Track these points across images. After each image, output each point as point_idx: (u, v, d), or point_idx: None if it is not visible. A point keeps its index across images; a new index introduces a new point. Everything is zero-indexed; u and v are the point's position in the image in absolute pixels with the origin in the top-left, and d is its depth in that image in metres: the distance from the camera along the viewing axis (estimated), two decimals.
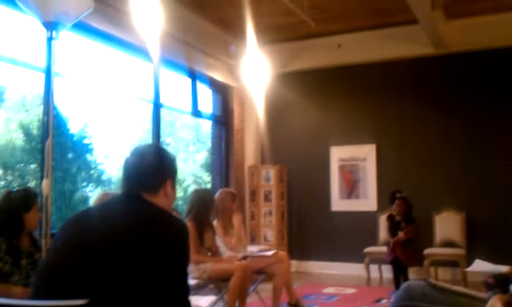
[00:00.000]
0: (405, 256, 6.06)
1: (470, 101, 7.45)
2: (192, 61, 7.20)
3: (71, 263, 1.58)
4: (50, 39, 4.00)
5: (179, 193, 11.03)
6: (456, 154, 7.46)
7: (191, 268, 4.46)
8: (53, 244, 1.78)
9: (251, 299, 5.11)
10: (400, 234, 6.12)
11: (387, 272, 7.10)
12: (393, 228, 6.26)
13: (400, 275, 6.10)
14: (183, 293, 1.69)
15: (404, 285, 2.39)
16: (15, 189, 3.19)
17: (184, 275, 1.72)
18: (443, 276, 7.13)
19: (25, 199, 3.05)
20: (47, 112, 4.91)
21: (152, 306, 1.57)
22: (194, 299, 2.03)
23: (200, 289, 4.44)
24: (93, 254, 1.57)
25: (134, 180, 1.82)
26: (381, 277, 7.42)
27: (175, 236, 1.69)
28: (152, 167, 1.83)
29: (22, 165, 9.26)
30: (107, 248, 1.57)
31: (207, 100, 8.17)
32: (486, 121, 7.33)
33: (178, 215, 5.03)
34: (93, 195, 11.37)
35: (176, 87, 7.95)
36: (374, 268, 7.40)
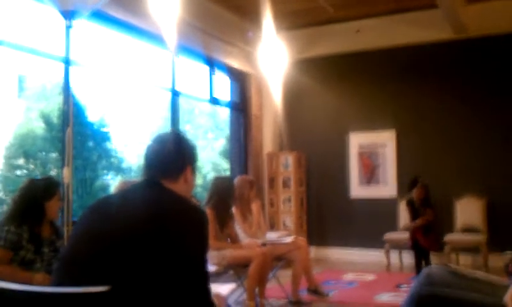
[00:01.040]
0: (426, 241, 6.05)
1: (490, 86, 7.33)
2: (210, 48, 7.19)
3: (92, 251, 1.60)
4: (68, 28, 4.03)
5: (198, 180, 11.08)
6: (476, 139, 7.36)
7: (211, 255, 4.49)
8: (74, 232, 1.80)
9: (271, 285, 5.14)
10: (418, 220, 6.10)
11: (407, 258, 7.07)
12: (413, 213, 6.23)
13: (421, 260, 6.08)
14: (202, 280, 1.70)
15: (425, 271, 2.39)
16: (37, 178, 3.24)
17: (203, 263, 1.72)
18: (464, 262, 7.07)
19: (47, 188, 3.09)
20: (66, 101, 4.96)
21: (172, 293, 1.58)
22: (214, 286, 2.04)
23: (220, 275, 4.47)
24: (113, 241, 1.59)
25: (155, 167, 1.84)
26: (401, 263, 7.39)
27: (195, 224, 1.70)
28: (173, 154, 1.85)
29: (43, 153, 9.39)
30: (128, 236, 1.59)
31: (224, 87, 8.17)
32: (507, 107, 7.21)
33: (197, 202, 5.07)
34: (113, 182, 11.49)
35: (194, 75, 7.96)
36: (393, 254, 7.37)
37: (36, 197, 3.04)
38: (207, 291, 1.71)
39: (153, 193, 1.76)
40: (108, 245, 1.58)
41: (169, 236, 1.60)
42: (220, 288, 2.18)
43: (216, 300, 1.85)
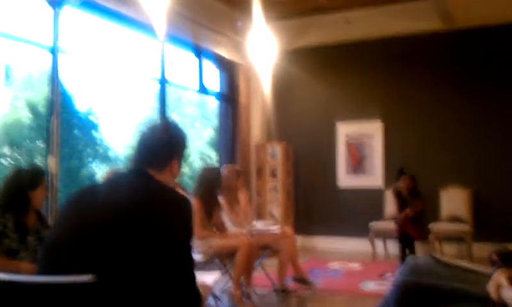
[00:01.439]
0: (415, 231, 6.10)
1: (477, 77, 7.39)
2: (198, 37, 7.16)
3: (76, 239, 1.60)
4: (55, 16, 3.99)
5: (185, 170, 11.07)
6: (462, 130, 7.43)
7: (197, 244, 4.50)
8: (59, 220, 1.80)
9: (257, 274, 5.16)
10: (408, 209, 6.14)
11: (392, 247, 7.14)
12: (401, 203, 6.27)
13: (406, 249, 6.14)
14: (187, 267, 1.71)
15: (409, 260, 2.42)
16: (23, 167, 3.22)
17: (188, 250, 1.74)
18: (448, 251, 7.16)
19: (32, 177, 3.07)
20: (53, 90, 4.93)
21: (157, 281, 1.59)
22: (199, 275, 2.05)
23: (206, 264, 4.49)
24: (98, 229, 1.59)
25: (143, 154, 1.84)
26: (386, 252, 7.46)
27: (179, 212, 1.71)
28: (163, 144, 1.85)
29: (29, 142, 9.30)
30: (113, 224, 1.59)
31: (213, 77, 8.14)
32: (494, 98, 7.28)
33: (184, 191, 5.07)
34: (99, 171, 11.43)
35: (182, 64, 7.93)
36: (379, 243, 7.44)
37: (21, 186, 3.03)
38: (193, 279, 1.72)
39: (138, 182, 1.77)
40: (93, 233, 1.58)
41: (154, 224, 1.61)
42: (205, 277, 2.19)
43: (201, 289, 1.86)
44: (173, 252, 1.64)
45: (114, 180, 1.86)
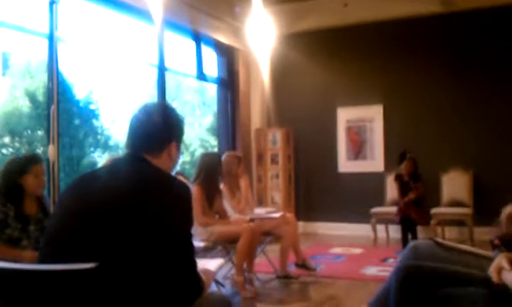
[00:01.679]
0: (417, 214, 6.11)
1: (477, 60, 7.35)
2: (197, 23, 7.11)
3: (76, 227, 1.59)
4: (52, 3, 3.96)
5: (186, 157, 11.06)
6: (463, 113, 7.40)
7: (199, 231, 4.51)
8: (58, 208, 1.79)
9: (259, 260, 5.18)
10: (410, 193, 6.14)
11: (394, 232, 7.15)
12: (402, 187, 6.27)
13: (408, 234, 6.14)
14: (188, 254, 1.70)
15: (411, 244, 2.42)
16: (19, 155, 3.24)
17: (188, 237, 1.72)
18: (449, 235, 7.17)
19: (21, 164, 3.08)
20: (51, 78, 4.90)
21: (158, 268, 1.58)
22: (202, 262, 2.05)
23: (208, 251, 4.49)
24: (97, 217, 1.58)
25: (139, 139, 1.78)
26: (387, 237, 7.48)
27: (178, 199, 1.69)
28: (158, 128, 1.79)
29: (29, 131, 9.29)
30: (112, 211, 1.58)
31: (212, 63, 8.10)
32: (495, 81, 7.24)
33: (185, 178, 5.07)
34: (100, 160, 11.44)
35: (181, 51, 7.88)
36: (380, 228, 7.45)
37: (12, 173, 3.04)
38: (193, 265, 1.71)
39: (135, 168, 1.74)
40: (92, 221, 1.57)
41: (152, 211, 1.59)
42: (208, 264, 2.18)
43: (204, 276, 1.86)
44: (172, 240, 1.63)
45: (112, 167, 1.83)
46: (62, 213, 1.71)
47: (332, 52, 8.27)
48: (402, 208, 6.18)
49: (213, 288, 4.38)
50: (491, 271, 1.98)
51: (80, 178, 1.81)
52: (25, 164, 3.08)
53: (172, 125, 1.84)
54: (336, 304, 4.22)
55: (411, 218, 6.13)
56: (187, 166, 10.69)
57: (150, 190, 1.65)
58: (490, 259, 2.08)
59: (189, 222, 1.74)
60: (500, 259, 1.99)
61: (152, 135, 1.78)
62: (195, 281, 1.72)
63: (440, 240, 2.40)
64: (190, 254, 1.71)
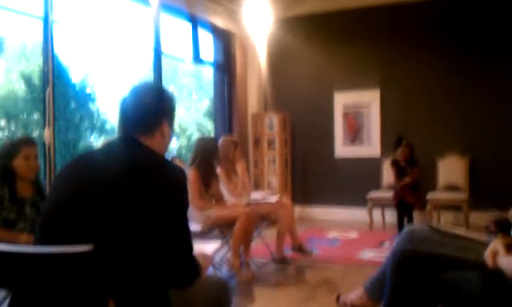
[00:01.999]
0: (413, 199, 6.13)
1: (474, 44, 7.32)
2: (193, 5, 7.06)
3: (70, 209, 1.59)
4: None
5: (182, 141, 11.05)
6: (460, 98, 7.40)
7: (196, 215, 4.52)
8: (52, 190, 1.78)
9: (255, 244, 5.20)
10: (406, 178, 6.16)
11: (390, 216, 7.18)
12: (398, 172, 6.29)
13: (404, 218, 6.17)
14: (183, 236, 1.69)
15: (406, 229, 2.42)
16: (12, 138, 3.23)
17: (183, 219, 1.71)
18: (445, 220, 7.21)
19: (11, 146, 3.06)
20: (46, 61, 4.87)
21: (153, 250, 1.58)
22: (199, 245, 2.05)
23: (205, 235, 4.51)
24: (91, 199, 1.57)
25: (131, 120, 1.77)
26: (383, 221, 7.50)
27: (172, 181, 1.68)
28: (149, 107, 1.78)
29: (24, 115, 9.25)
30: (105, 194, 1.57)
31: (208, 47, 8.06)
32: (492, 65, 7.23)
33: (181, 163, 5.06)
34: (96, 144, 11.40)
35: (177, 34, 7.83)
36: (376, 212, 7.48)
37: (2, 155, 3.04)
38: (189, 248, 1.71)
39: (130, 150, 1.73)
40: (87, 203, 1.56)
41: (147, 194, 1.58)
42: (206, 247, 2.19)
43: (201, 259, 1.86)
44: (167, 222, 1.62)
45: (107, 149, 1.81)
46: (57, 195, 1.70)
47: (329, 36, 8.23)
48: (398, 192, 6.21)
49: (210, 271, 4.40)
50: (487, 255, 1.99)
51: (75, 160, 1.80)
52: (16, 146, 3.06)
53: (163, 104, 1.83)
54: (332, 288, 4.25)
55: (406, 202, 6.16)
56: (183, 150, 10.68)
57: (145, 173, 1.64)
58: (485, 244, 2.09)
59: (183, 205, 1.73)
60: (495, 244, 2.00)
61: (143, 116, 1.76)
62: (191, 264, 1.72)
63: (435, 224, 2.41)
64: (185, 237, 1.71)
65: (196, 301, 1.79)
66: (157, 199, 1.60)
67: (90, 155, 1.82)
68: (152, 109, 1.78)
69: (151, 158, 1.73)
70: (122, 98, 1.81)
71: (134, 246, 1.54)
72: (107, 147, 1.80)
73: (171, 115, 1.86)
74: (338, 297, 2.66)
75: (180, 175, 1.72)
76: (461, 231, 2.38)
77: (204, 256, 1.96)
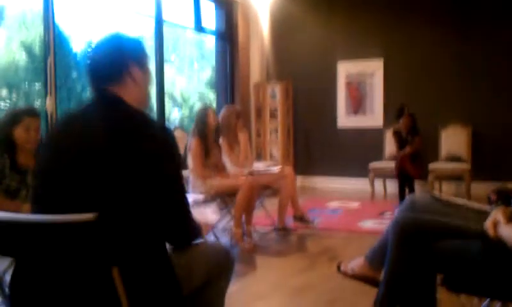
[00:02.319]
0: (414, 169, 6.12)
1: (478, 13, 7.24)
2: None
3: (61, 181, 1.56)
4: None
5: (184, 111, 11.02)
6: (464, 68, 7.34)
7: (198, 184, 4.54)
8: (40, 161, 1.73)
9: (258, 213, 5.23)
10: (407, 147, 6.15)
11: (391, 186, 7.20)
12: (400, 142, 6.27)
13: (405, 188, 6.19)
14: (177, 196, 1.66)
15: (408, 198, 2.43)
16: (16, 108, 3.22)
17: (176, 179, 1.66)
18: (447, 190, 7.23)
19: (12, 116, 3.05)
20: (47, 30, 4.83)
21: (147, 214, 1.56)
22: (199, 209, 2.05)
23: (207, 204, 4.53)
24: (80, 168, 1.53)
25: (96, 73, 1.71)
26: (385, 191, 7.53)
27: (157, 142, 1.61)
28: (110, 54, 1.71)
29: (26, 85, 9.22)
30: (92, 161, 1.53)
31: (210, 15, 7.97)
32: (495, 35, 7.15)
33: (183, 133, 5.07)
34: None
35: (179, 2, 7.73)
36: (378, 182, 7.50)
37: (3, 124, 3.03)
38: (184, 208, 1.69)
39: (110, 110, 1.65)
40: (77, 173, 1.53)
41: (132, 156, 1.53)
42: (206, 211, 2.17)
43: (202, 223, 1.85)
44: (157, 182, 1.57)
45: (86, 109, 1.71)
46: (43, 164, 1.65)
47: (333, 5, 8.14)
48: (399, 162, 6.20)
49: (211, 237, 4.44)
50: (487, 225, 2.00)
51: (57, 127, 1.76)
52: (17, 115, 3.04)
53: (124, 46, 1.74)
54: (332, 256, 4.29)
55: (407, 172, 6.16)
56: (186, 120, 10.66)
57: (127, 134, 1.57)
58: (486, 213, 2.09)
59: (175, 165, 1.67)
60: (496, 214, 2.00)
61: (106, 62, 1.70)
62: (188, 224, 1.71)
63: (437, 194, 2.41)
64: (179, 197, 1.67)
65: (198, 265, 1.80)
66: (142, 161, 1.54)
67: (71, 121, 1.73)
68: (112, 53, 1.71)
69: (132, 118, 1.65)
70: (87, 54, 1.82)
71: (128, 211, 1.52)
72: (86, 109, 1.71)
73: (139, 57, 1.76)
74: (339, 266, 2.68)
75: (166, 135, 1.66)
76: (462, 200, 2.38)
77: (205, 223, 1.95)
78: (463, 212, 2.26)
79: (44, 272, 1.55)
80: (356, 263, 2.56)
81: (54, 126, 1.77)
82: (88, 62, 1.74)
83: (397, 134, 6.36)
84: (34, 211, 1.63)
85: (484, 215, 2.10)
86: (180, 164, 1.72)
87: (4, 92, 9.22)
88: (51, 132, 1.74)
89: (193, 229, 1.75)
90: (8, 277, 2.13)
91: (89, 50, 1.77)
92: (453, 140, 7.25)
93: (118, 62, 1.70)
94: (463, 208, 2.28)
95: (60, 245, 1.49)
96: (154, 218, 1.58)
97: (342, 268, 2.62)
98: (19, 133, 3.02)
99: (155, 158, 1.57)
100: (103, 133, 1.57)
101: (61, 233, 1.46)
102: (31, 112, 3.10)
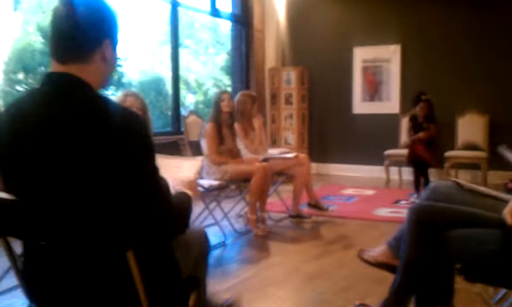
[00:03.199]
0: (426, 154, 5.93)
1: (497, 1, 7.10)
2: None
3: (8, 155, 1.42)
4: None
5: (199, 97, 11.02)
6: (482, 56, 7.22)
7: (213, 170, 4.53)
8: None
9: (272, 200, 5.22)
10: (421, 133, 5.97)
11: (407, 174, 7.15)
12: (415, 128, 6.10)
13: (420, 176, 6.08)
14: (148, 190, 1.42)
15: (431, 185, 2.40)
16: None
17: (148, 173, 1.42)
18: (463, 178, 7.12)
19: None
20: None
21: (114, 209, 1.40)
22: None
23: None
24: (30, 145, 1.38)
25: (62, 43, 1.43)
26: (400, 179, 7.48)
27: (118, 130, 1.36)
28: (84, 23, 1.42)
29: (42, 68, 9.27)
30: (43, 139, 1.37)
31: None
32: None
33: (199, 118, 5.06)
34: (114, 98, 11.42)
35: None
36: (394, 170, 7.44)
37: None
38: (158, 201, 1.45)
39: (64, 90, 1.42)
40: (25, 149, 1.39)
41: (105, 149, 1.35)
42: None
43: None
44: (128, 179, 1.37)
45: (39, 89, 1.47)
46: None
47: None
48: (412, 147, 6.03)
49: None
50: (505, 213, 1.97)
51: (7, 111, 1.49)
52: None
53: (102, 19, 1.47)
54: (347, 243, 4.27)
55: (419, 156, 5.95)
56: (200, 105, 10.66)
57: (93, 126, 1.36)
58: (506, 202, 2.06)
59: (143, 157, 1.41)
60: None
61: (77, 34, 1.42)
62: (169, 217, 1.51)
63: (461, 181, 2.36)
64: (151, 189, 1.43)
65: (190, 250, 1.81)
66: (109, 153, 1.35)
67: (25, 98, 1.51)
68: (88, 25, 1.43)
69: (93, 104, 1.42)
70: (53, 14, 1.45)
71: (101, 203, 1.38)
72: (41, 86, 1.47)
73: (114, 33, 1.51)
74: (360, 254, 2.63)
75: (129, 120, 1.40)
76: (486, 189, 2.35)
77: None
78: (485, 200, 2.23)
79: (56, 255, 1.52)
80: (378, 251, 2.54)
81: (5, 110, 1.49)
82: (55, 26, 1.44)
83: (412, 119, 6.19)
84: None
85: (503, 203, 2.07)
86: (152, 154, 1.45)
87: (21, 75, 9.28)
88: (3, 116, 1.48)
89: (176, 222, 1.56)
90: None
91: (56, 10, 1.44)
92: (470, 128, 7.16)
93: (93, 38, 1.45)
94: (486, 197, 2.25)
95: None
96: (121, 212, 1.40)
97: (364, 256, 2.59)
98: None
99: (122, 151, 1.35)
100: (63, 121, 1.37)
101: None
102: None
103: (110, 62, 1.50)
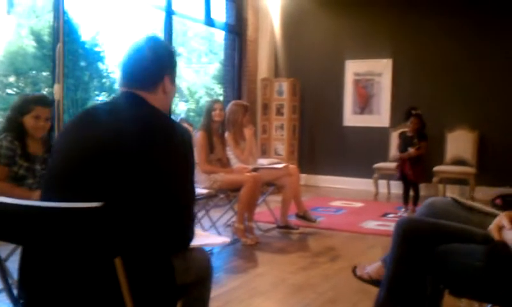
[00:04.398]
0: (413, 173, 5.94)
1: (489, 15, 7.19)
2: None
3: (78, 167, 1.57)
4: None
5: (191, 105, 11.02)
6: (472, 72, 7.31)
7: (203, 178, 4.53)
8: (59, 147, 1.73)
9: (260, 210, 5.23)
10: (411, 150, 5.95)
11: (395, 188, 7.18)
12: (403, 144, 6.10)
13: (409, 190, 6.09)
14: (184, 201, 1.66)
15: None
16: (27, 94, 3.20)
17: (186, 183, 1.67)
18: (451, 193, 7.19)
19: (22, 103, 3.05)
20: (57, 17, 4.83)
21: (156, 212, 1.56)
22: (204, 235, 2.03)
23: (211, 198, 4.53)
24: (101, 156, 1.55)
25: (131, 78, 1.72)
26: (389, 192, 7.52)
27: (181, 144, 1.65)
28: (150, 62, 1.72)
29: (34, 72, 9.23)
30: (118, 155, 1.55)
31: (220, 8, 7.95)
32: (506, 39, 7.11)
33: (189, 126, 5.06)
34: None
35: None
36: (382, 183, 7.48)
37: (14, 110, 3.04)
38: (188, 214, 1.68)
39: (139, 110, 1.68)
40: (96, 162, 1.55)
41: (158, 157, 1.56)
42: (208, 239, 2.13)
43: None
44: (174, 185, 1.60)
45: (113, 106, 1.76)
46: (65, 154, 1.68)
47: (343, 3, 8.10)
48: (399, 164, 6.05)
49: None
50: (492, 229, 1.98)
51: (80, 117, 1.75)
52: (29, 103, 3.04)
53: (163, 58, 1.77)
54: (334, 255, 4.28)
55: (407, 174, 5.98)
56: (191, 114, 10.67)
57: (154, 135, 1.60)
58: (493, 218, 2.08)
59: (188, 168, 1.69)
60: (501, 218, 1.99)
61: (144, 71, 1.71)
62: (189, 228, 1.70)
63: (459, 198, 2.37)
64: (187, 203, 1.68)
65: (192, 263, 1.80)
66: (166, 162, 1.58)
67: (97, 112, 1.76)
68: (153, 63, 1.73)
69: (159, 118, 1.69)
70: (124, 55, 1.76)
71: (142, 208, 1.53)
72: (113, 104, 1.76)
73: (173, 69, 1.80)
74: (354, 270, 2.63)
75: (188, 137, 1.69)
76: (484, 206, 2.35)
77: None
78: (482, 217, 2.23)
79: (52, 259, 1.55)
80: (372, 268, 2.53)
81: (79, 114, 1.76)
82: (124, 62, 1.74)
83: (401, 135, 6.22)
84: (47, 198, 1.63)
85: (492, 219, 2.09)
86: (193, 168, 1.73)
87: (12, 78, 9.24)
88: (76, 120, 1.74)
89: (192, 235, 1.73)
90: (9, 264, 2.14)
91: (128, 50, 1.75)
92: (459, 143, 7.23)
93: (155, 74, 1.73)
94: (484, 214, 2.25)
95: (68, 232, 1.48)
96: (159, 215, 1.57)
97: (358, 272, 2.59)
98: (29, 121, 3.02)
99: (176, 159, 1.61)
100: (132, 131, 1.59)
101: (69, 220, 1.45)
102: (42, 102, 3.09)
103: (168, 94, 1.77)
